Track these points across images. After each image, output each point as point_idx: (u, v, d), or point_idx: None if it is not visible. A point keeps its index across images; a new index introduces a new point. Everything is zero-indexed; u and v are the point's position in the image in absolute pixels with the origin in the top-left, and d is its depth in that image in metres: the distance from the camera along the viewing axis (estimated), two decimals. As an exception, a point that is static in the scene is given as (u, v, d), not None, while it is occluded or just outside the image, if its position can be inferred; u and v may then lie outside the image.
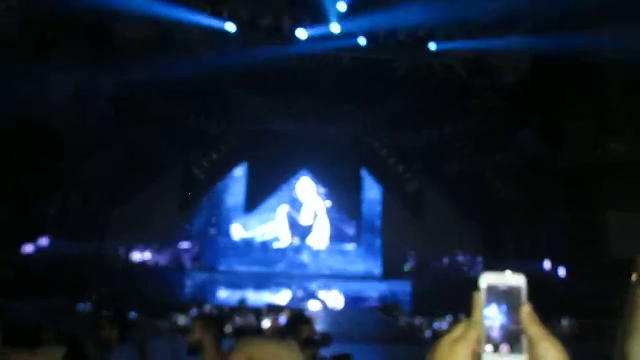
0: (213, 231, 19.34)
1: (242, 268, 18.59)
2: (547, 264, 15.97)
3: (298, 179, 19.63)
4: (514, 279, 0.81)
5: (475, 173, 17.79)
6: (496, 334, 0.79)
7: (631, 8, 11.23)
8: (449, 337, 0.82)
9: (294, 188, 19.73)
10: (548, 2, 13.58)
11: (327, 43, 15.33)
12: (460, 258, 17.80)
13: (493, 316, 0.80)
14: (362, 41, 15.26)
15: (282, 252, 19.21)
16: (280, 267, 18.84)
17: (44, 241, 15.26)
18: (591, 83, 14.13)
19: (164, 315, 12.77)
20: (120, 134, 16.45)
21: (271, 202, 19.35)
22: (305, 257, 19.16)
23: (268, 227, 19.42)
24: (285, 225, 19.46)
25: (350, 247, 19.51)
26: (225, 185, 19.55)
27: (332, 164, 18.41)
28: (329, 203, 19.72)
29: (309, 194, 19.73)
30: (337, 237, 19.52)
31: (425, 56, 15.88)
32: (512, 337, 0.78)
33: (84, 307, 13.34)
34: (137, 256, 17.19)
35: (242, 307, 13.62)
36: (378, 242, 19.33)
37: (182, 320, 12.47)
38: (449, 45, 15.34)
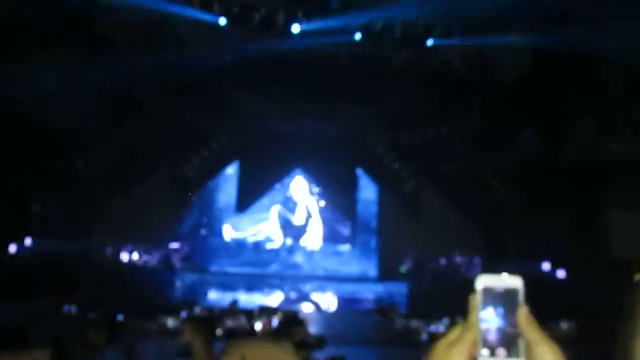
0: (204, 231, 19.31)
1: (233, 269, 18.58)
2: (546, 265, 16.03)
3: (291, 177, 19.63)
4: (510, 281, 0.81)
5: (473, 172, 17.84)
6: (493, 337, 0.79)
7: (633, 5, 11.28)
8: (445, 340, 0.82)
9: (287, 187, 19.73)
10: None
11: (322, 38, 15.31)
12: (458, 259, 17.85)
13: (489, 319, 0.80)
14: (357, 36, 15.25)
15: (275, 252, 19.21)
16: (273, 268, 18.84)
17: (28, 240, 15.18)
18: (592, 81, 14.19)
19: (152, 317, 12.74)
20: (108, 131, 16.38)
21: (264, 201, 19.34)
22: (298, 258, 19.17)
23: (260, 227, 19.41)
24: (277, 225, 19.45)
25: (345, 247, 19.52)
26: (216, 183, 19.52)
27: (326, 163, 18.41)
28: (323, 202, 19.73)
29: (302, 193, 19.73)
30: (332, 237, 19.54)
31: (423, 52, 15.88)
32: (509, 341, 0.79)
33: (71, 308, 13.29)
34: (126, 256, 17.15)
35: (233, 309, 13.61)
36: (373, 243, 19.36)
37: (171, 322, 12.44)
38: (447, 41, 15.36)
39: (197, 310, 13.88)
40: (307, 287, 17.57)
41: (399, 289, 17.08)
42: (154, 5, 14.28)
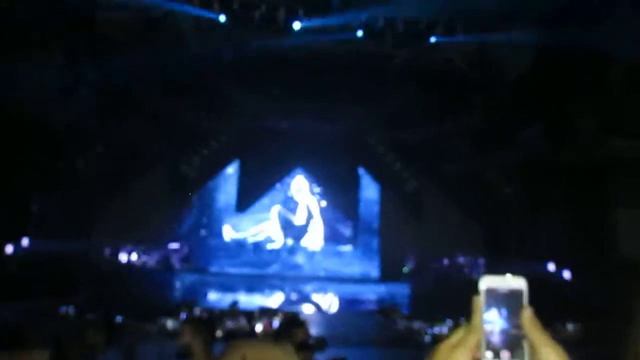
0: (203, 231, 19.32)
1: (233, 269, 18.59)
2: (551, 265, 16.02)
3: (292, 177, 19.63)
4: (514, 282, 0.81)
5: (476, 171, 17.82)
6: (496, 339, 0.79)
7: (637, 2, 11.26)
8: (447, 342, 0.82)
9: (287, 187, 19.73)
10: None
11: (323, 35, 15.30)
12: (461, 259, 17.84)
13: (493, 321, 0.80)
14: (359, 34, 15.24)
15: (275, 253, 19.22)
16: (274, 268, 18.84)
17: (26, 241, 15.19)
18: (596, 78, 14.16)
19: (152, 319, 12.74)
20: (107, 130, 16.39)
21: (264, 201, 19.35)
22: (299, 259, 19.17)
23: (260, 228, 19.41)
24: (278, 225, 19.46)
25: (347, 248, 19.52)
26: (216, 183, 19.53)
27: (327, 162, 18.41)
28: (324, 202, 19.73)
29: (303, 193, 19.73)
30: (333, 237, 19.54)
31: (425, 50, 15.87)
32: (513, 343, 0.79)
33: (69, 309, 13.30)
34: (124, 257, 17.16)
35: (233, 310, 13.62)
36: (375, 243, 19.35)
37: (171, 323, 12.45)
38: (450, 38, 15.33)
39: (197, 311, 13.89)
40: (308, 288, 17.57)
41: (401, 290, 17.08)
42: (153, 3, 14.29)
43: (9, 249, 14.71)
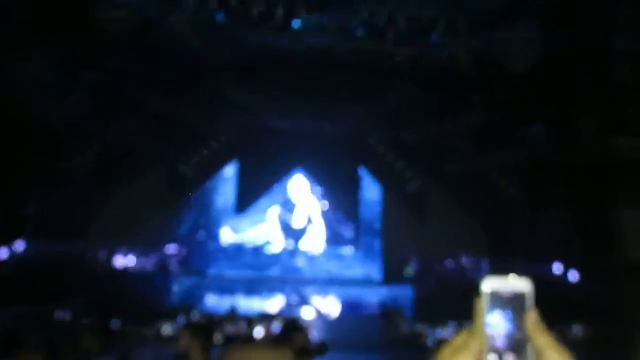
0: (201, 233, 19.31)
1: (232, 272, 18.58)
2: (557, 266, 16.02)
3: (292, 178, 19.62)
4: (518, 283, 0.80)
5: (480, 171, 17.81)
6: (500, 342, 0.78)
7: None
8: (449, 346, 0.81)
9: (287, 188, 19.73)
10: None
11: (323, 33, 15.30)
12: (465, 261, 17.84)
13: (496, 323, 0.79)
14: (360, 32, 15.25)
15: (275, 255, 19.22)
16: (273, 271, 18.83)
17: (20, 244, 15.19)
18: (602, 76, 14.16)
19: (149, 323, 12.75)
20: (101, 129, 16.39)
21: (263, 202, 19.35)
22: (299, 261, 19.17)
23: (260, 229, 19.41)
24: (277, 227, 19.45)
25: (348, 250, 19.52)
26: (214, 184, 19.52)
27: (328, 162, 18.41)
28: (324, 203, 19.73)
29: (303, 194, 19.73)
30: (334, 239, 19.54)
31: (427, 48, 15.88)
32: (517, 346, 0.78)
33: (63, 314, 13.30)
34: (120, 260, 17.15)
35: (232, 314, 13.62)
36: (377, 245, 19.35)
37: (168, 328, 12.46)
38: (453, 35, 15.34)
39: (195, 315, 13.89)
40: (308, 291, 17.56)
41: (403, 292, 17.08)
42: (152, 1, 14.30)
43: (3, 252, 14.71)
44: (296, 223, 19.50)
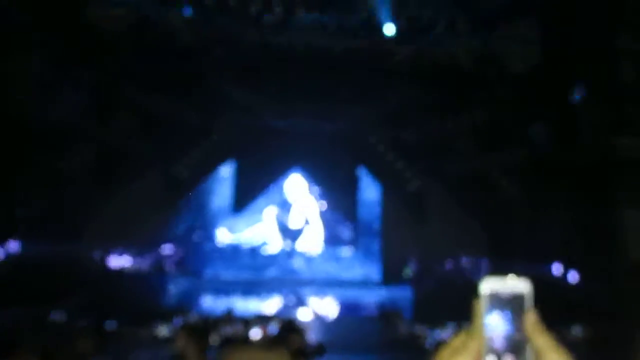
0: (197, 234, 19.29)
1: (229, 273, 18.56)
2: (557, 267, 16.04)
3: (289, 177, 19.61)
4: (517, 284, 0.81)
5: (480, 171, 17.83)
6: (499, 343, 0.79)
7: None
8: (448, 347, 0.81)
9: (285, 188, 19.71)
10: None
11: (322, 32, 15.30)
12: (464, 262, 17.84)
13: (495, 324, 0.79)
14: (360, 30, 15.25)
15: (272, 256, 19.20)
16: (270, 272, 18.81)
17: (14, 245, 15.17)
18: (604, 75, 14.18)
19: (145, 325, 12.74)
20: (97, 130, 16.36)
21: (260, 202, 19.33)
22: (297, 262, 19.15)
23: (257, 230, 19.39)
24: (275, 227, 19.43)
25: (347, 251, 19.51)
26: (211, 184, 19.50)
27: (326, 162, 18.40)
28: (323, 204, 19.72)
29: (301, 195, 19.71)
30: (332, 240, 19.52)
31: (427, 46, 15.88)
32: (516, 347, 0.78)
33: (58, 315, 13.27)
34: (116, 261, 17.13)
35: (229, 316, 13.60)
36: (376, 246, 19.34)
37: (164, 329, 12.45)
38: (453, 35, 15.35)
39: (192, 317, 13.88)
40: (306, 292, 17.55)
41: (403, 294, 17.08)
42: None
43: (-2, 253, 14.69)
44: (293, 223, 19.49)
